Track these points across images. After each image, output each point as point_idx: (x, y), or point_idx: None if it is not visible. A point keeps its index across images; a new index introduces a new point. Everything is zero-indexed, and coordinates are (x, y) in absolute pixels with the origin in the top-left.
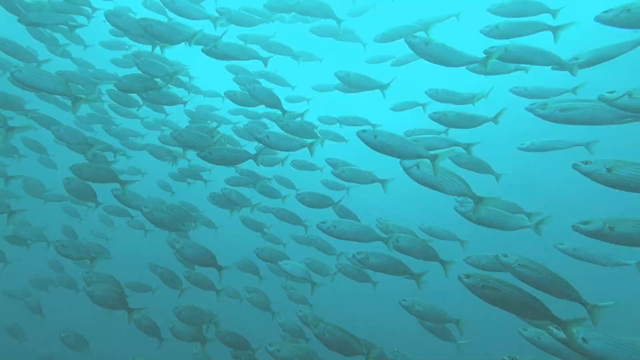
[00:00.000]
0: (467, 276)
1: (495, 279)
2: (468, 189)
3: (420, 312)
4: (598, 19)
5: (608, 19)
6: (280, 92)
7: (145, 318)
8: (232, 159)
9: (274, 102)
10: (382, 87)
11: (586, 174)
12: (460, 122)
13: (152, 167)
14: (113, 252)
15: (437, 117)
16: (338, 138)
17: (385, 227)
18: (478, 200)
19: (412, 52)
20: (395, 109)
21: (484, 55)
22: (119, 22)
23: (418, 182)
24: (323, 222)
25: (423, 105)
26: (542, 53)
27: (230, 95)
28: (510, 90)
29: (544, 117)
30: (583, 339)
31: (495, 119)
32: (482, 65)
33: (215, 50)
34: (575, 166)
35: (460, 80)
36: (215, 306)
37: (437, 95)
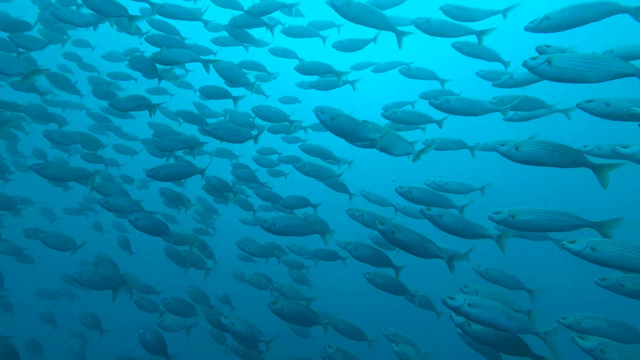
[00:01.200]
0: (381, 223)
1: (403, 226)
2: (411, 149)
3: (381, 283)
4: (526, 28)
5: (533, 27)
6: (274, 94)
7: (145, 300)
8: (179, 174)
9: (240, 79)
10: (338, 74)
11: (502, 154)
12: (410, 119)
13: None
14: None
15: (387, 115)
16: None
17: (356, 213)
18: (418, 153)
19: (397, 69)
20: (387, 109)
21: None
22: (60, 14)
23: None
24: (265, 221)
25: (412, 104)
26: (458, 28)
27: (202, 90)
28: (477, 74)
29: (436, 107)
30: (469, 304)
31: (440, 123)
32: (398, 36)
33: (160, 57)
34: (496, 150)
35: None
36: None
37: (410, 73)
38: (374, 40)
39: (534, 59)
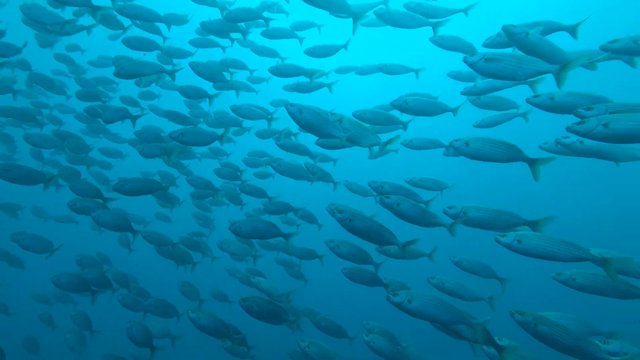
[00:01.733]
0: (339, 211)
1: (361, 214)
2: (378, 140)
3: (357, 278)
4: (484, 45)
5: (489, 44)
6: (263, 97)
7: (128, 297)
8: (143, 189)
9: (217, 77)
10: (308, 74)
11: (455, 149)
12: (377, 120)
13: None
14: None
15: (358, 115)
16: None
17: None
18: (384, 144)
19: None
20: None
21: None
22: (30, 14)
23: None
24: (233, 224)
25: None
26: (416, 19)
27: (181, 90)
28: (447, 75)
29: (396, 107)
30: (408, 300)
31: (405, 125)
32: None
33: (122, 71)
34: (450, 144)
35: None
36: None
37: (386, 69)
38: (345, 47)
39: (473, 55)
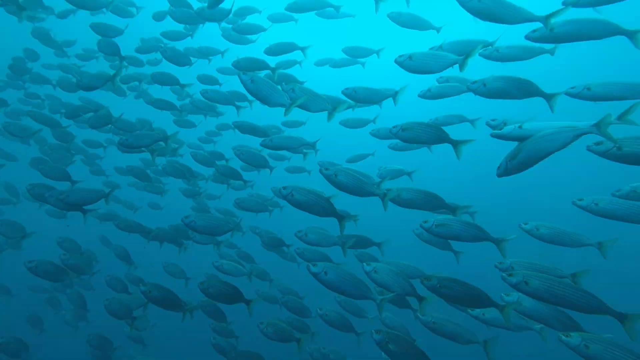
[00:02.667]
0: (284, 187)
1: (302, 188)
2: (327, 105)
3: (309, 257)
4: (395, 61)
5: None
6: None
7: (113, 278)
8: (88, 200)
9: (184, 61)
10: (272, 69)
11: (394, 135)
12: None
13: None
14: None
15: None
16: None
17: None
18: (333, 110)
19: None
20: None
21: None
22: None
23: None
24: (186, 217)
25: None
26: None
27: (152, 75)
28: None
29: (347, 96)
30: (325, 272)
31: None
32: None
33: (81, 82)
34: (390, 131)
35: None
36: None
37: (351, 52)
38: (303, 51)
39: (400, 56)
